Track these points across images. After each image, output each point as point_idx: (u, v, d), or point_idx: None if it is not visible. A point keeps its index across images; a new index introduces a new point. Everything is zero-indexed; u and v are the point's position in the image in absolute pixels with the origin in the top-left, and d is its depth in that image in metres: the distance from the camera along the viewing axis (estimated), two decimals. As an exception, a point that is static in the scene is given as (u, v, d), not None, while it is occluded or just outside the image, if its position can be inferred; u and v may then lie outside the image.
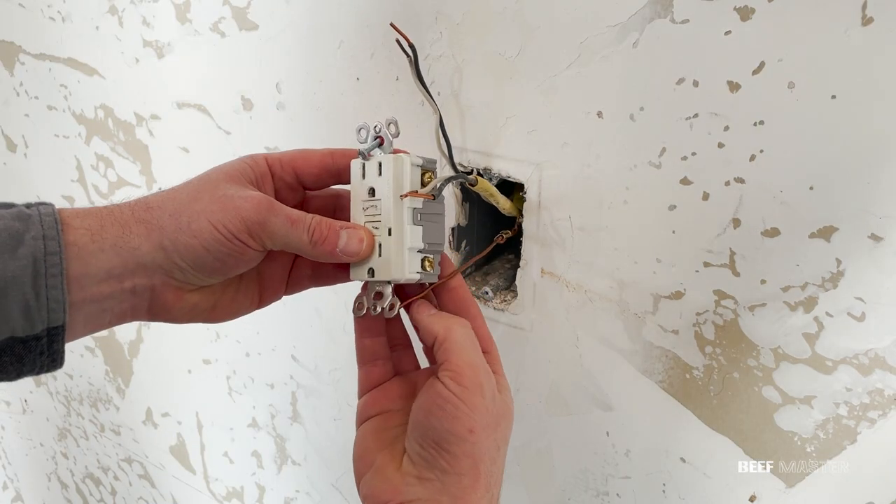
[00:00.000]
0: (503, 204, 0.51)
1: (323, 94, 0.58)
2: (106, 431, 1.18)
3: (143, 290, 0.36)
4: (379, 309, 0.40)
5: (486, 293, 0.56)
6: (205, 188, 0.37)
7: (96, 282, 0.34)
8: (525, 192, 0.49)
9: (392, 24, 0.43)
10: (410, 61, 0.44)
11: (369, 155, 0.39)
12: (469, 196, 0.54)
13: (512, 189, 0.55)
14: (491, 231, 0.54)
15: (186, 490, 1.08)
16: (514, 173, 0.49)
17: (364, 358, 0.42)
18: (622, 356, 0.49)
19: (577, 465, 0.56)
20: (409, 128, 0.53)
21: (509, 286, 0.57)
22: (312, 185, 0.42)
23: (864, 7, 0.33)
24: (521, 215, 0.51)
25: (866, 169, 0.36)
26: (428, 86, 0.48)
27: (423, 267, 0.39)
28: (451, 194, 0.53)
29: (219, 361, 0.85)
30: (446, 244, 0.55)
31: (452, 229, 0.55)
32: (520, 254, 0.52)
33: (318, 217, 0.38)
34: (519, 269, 0.52)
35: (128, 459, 1.18)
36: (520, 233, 0.51)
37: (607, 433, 0.52)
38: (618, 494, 0.54)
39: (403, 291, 0.42)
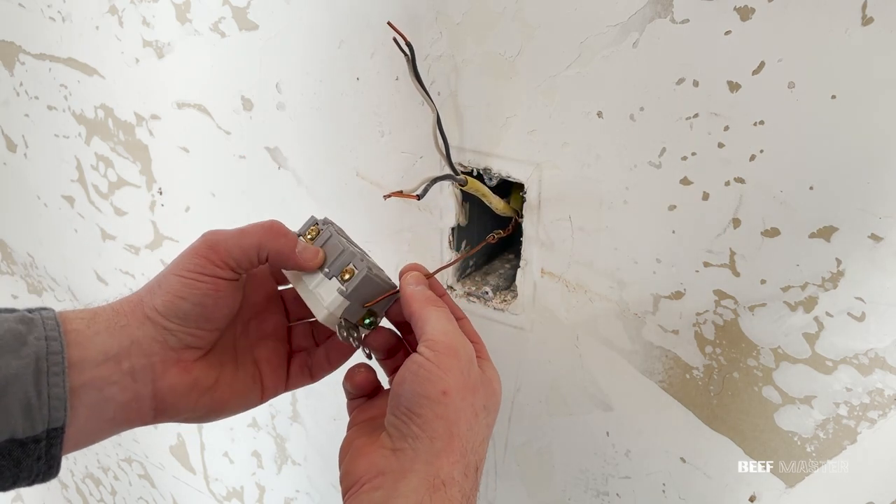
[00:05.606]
0: (496, 204, 0.51)
1: (323, 94, 0.58)
2: (106, 431, 1.18)
3: (142, 371, 0.37)
4: (352, 342, 0.42)
5: (486, 293, 0.56)
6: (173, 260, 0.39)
7: (95, 365, 0.35)
8: (525, 192, 0.49)
9: (389, 23, 0.43)
10: (408, 59, 0.44)
11: None
12: (469, 196, 0.54)
13: (511, 189, 0.55)
14: (490, 231, 0.54)
15: (186, 490, 1.08)
16: (514, 173, 0.49)
17: (351, 408, 0.44)
18: (622, 356, 0.49)
19: (577, 465, 0.56)
20: (409, 128, 0.53)
21: (509, 286, 0.57)
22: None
23: (864, 7, 0.33)
24: (520, 215, 0.51)
25: (866, 169, 0.36)
26: (428, 85, 0.48)
27: (342, 281, 0.40)
28: (450, 195, 0.53)
29: (219, 361, 0.85)
30: (445, 244, 0.55)
31: (452, 229, 0.55)
32: (520, 254, 0.52)
33: None
34: (519, 269, 0.52)
35: (128, 459, 1.18)
36: (518, 233, 0.51)
37: (607, 433, 0.52)
38: (618, 494, 0.54)
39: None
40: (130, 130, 0.78)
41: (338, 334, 0.41)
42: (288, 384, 0.45)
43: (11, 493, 1.66)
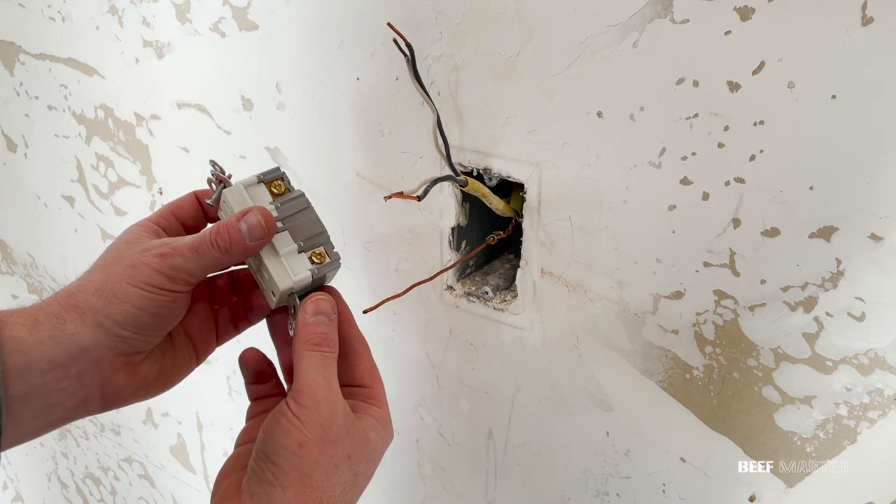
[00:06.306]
0: (496, 204, 0.51)
1: (323, 94, 0.58)
2: (106, 431, 1.18)
3: (91, 375, 0.37)
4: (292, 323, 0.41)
5: (486, 293, 0.56)
6: (114, 260, 0.39)
7: (41, 373, 0.35)
8: (525, 192, 0.49)
9: (389, 24, 0.43)
10: (408, 60, 0.44)
11: (220, 204, 0.42)
12: (469, 196, 0.54)
13: (511, 189, 0.55)
14: (491, 231, 0.54)
15: (186, 490, 1.08)
16: (514, 173, 0.49)
17: (252, 396, 0.46)
18: (622, 356, 0.49)
19: (577, 465, 0.56)
20: (409, 128, 0.53)
21: (509, 286, 0.57)
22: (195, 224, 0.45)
23: (864, 7, 0.33)
24: (519, 215, 0.51)
25: (866, 169, 0.36)
26: (428, 86, 0.48)
27: (312, 262, 0.41)
28: (450, 195, 0.53)
29: (219, 361, 0.85)
30: (445, 244, 0.55)
31: (452, 229, 0.55)
32: (520, 254, 0.52)
33: (212, 227, 0.40)
34: (519, 269, 0.52)
35: (128, 459, 1.18)
36: (518, 233, 0.51)
37: (607, 433, 0.52)
38: (618, 494, 0.54)
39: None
40: (130, 130, 0.78)
41: (276, 302, 0.41)
42: (217, 342, 0.46)
43: (11, 493, 1.66)
